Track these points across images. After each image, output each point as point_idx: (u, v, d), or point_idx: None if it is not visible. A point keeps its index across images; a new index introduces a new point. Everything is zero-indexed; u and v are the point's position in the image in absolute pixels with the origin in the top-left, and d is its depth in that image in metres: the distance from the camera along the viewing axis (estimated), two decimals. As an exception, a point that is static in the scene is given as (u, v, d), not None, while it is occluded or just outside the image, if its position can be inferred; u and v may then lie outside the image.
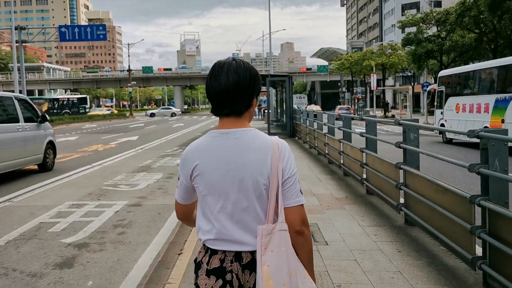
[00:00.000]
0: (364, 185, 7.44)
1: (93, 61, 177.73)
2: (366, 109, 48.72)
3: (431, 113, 40.02)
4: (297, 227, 1.69)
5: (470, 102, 16.66)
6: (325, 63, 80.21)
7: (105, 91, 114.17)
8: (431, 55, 28.95)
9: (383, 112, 45.35)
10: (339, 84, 69.95)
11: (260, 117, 46.37)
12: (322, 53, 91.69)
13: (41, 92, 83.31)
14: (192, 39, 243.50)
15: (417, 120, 5.90)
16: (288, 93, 19.69)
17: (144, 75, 73.87)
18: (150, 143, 19.41)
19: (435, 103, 20.18)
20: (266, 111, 22.75)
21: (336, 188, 8.02)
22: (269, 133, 20.30)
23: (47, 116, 11.52)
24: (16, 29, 27.91)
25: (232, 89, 1.68)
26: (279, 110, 28.57)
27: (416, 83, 55.63)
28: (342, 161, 9.47)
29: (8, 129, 9.72)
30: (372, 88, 43.75)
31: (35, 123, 10.88)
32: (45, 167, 11.19)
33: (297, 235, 1.69)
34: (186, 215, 1.91)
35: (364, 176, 7.60)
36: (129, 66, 60.30)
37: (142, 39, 63.79)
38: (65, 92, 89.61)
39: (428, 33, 29.40)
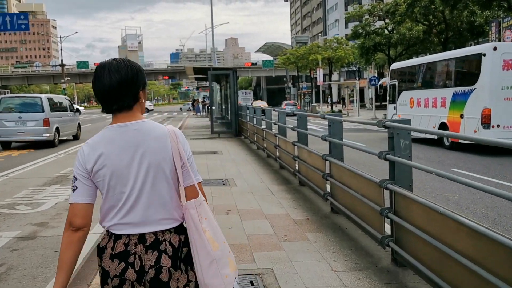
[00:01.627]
0: (329, 201, 5.89)
1: (26, 56, 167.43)
2: (312, 104, 47.97)
3: (379, 107, 39.85)
4: (203, 198, 1.91)
5: (425, 96, 15.70)
6: (270, 58, 79.15)
7: (39, 88, 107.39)
8: (378, 48, 28.27)
9: (329, 107, 44.70)
10: (284, 79, 69.11)
11: (204, 113, 44.43)
12: (267, 48, 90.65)
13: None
14: (134, 34, 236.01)
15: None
16: (232, 88, 17.98)
17: (80, 70, 69.44)
18: (77, 145, 17.09)
19: (388, 98, 19.22)
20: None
21: (293, 205, 6.42)
22: (212, 132, 18.47)
23: (79, 108, 18.22)
24: None
25: (116, 87, 1.81)
26: (223, 107, 26.80)
27: (360, 78, 55.73)
28: (297, 168, 7.92)
29: (68, 114, 18.26)
30: (318, 83, 42.91)
31: (73, 112, 18.86)
32: (77, 137, 18.85)
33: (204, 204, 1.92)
34: (89, 221, 1.86)
35: (328, 188, 6.07)
36: (61, 60, 56.08)
37: (76, 32, 59.96)
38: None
39: (375, 25, 28.67)
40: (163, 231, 1.84)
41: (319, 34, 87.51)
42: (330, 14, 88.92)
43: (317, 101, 57.39)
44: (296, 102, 49.81)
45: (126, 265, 1.80)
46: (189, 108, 76.10)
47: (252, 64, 67.65)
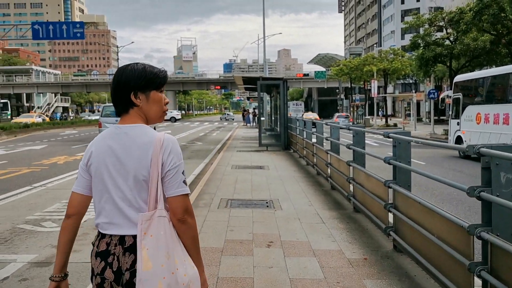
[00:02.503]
0: (391, 237, 4.88)
1: (87, 65, 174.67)
2: (366, 117, 46.28)
3: (437, 122, 37.63)
4: (179, 216, 1.82)
5: (495, 112, 14.17)
6: (323, 69, 77.83)
7: (97, 95, 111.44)
8: (439, 60, 26.53)
9: (384, 120, 42.89)
10: (337, 91, 67.58)
11: (254, 124, 43.89)
12: (320, 59, 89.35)
13: (29, 96, 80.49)
14: (189, 44, 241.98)
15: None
16: (282, 98, 17.14)
17: (135, 79, 70.96)
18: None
19: (450, 112, 17.69)
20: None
21: (347, 238, 5.44)
22: (260, 144, 17.68)
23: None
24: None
25: (112, 92, 1.92)
26: (273, 118, 26.02)
27: (417, 91, 53.33)
28: (352, 191, 6.93)
29: None
30: (372, 95, 41.29)
31: None
32: None
33: (179, 223, 1.82)
34: (80, 210, 1.94)
35: (391, 220, 5.06)
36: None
37: (132, 42, 61.76)
38: (55, 96, 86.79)
39: (436, 35, 26.98)
40: None
41: (374, 46, 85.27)
42: (385, 25, 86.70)
43: (371, 113, 55.51)
44: (349, 114, 48.27)
45: (105, 264, 1.82)
46: (225, 118, 75.46)
47: (304, 75, 66.60)
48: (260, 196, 8.04)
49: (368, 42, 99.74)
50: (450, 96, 18.35)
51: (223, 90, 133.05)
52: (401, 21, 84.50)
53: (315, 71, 66.36)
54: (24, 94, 79.64)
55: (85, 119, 53.09)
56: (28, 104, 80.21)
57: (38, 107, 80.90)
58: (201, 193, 8.39)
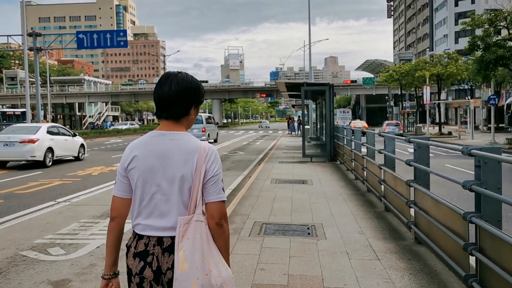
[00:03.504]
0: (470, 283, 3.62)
1: (137, 75, 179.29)
2: (417, 125, 43.95)
3: (497, 130, 34.85)
4: (217, 220, 1.93)
5: None
6: (371, 76, 75.45)
7: (146, 104, 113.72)
8: (500, 63, 24.34)
9: (437, 128, 40.45)
10: (386, 97, 65.10)
11: (299, 133, 42.61)
12: (368, 65, 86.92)
13: (81, 105, 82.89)
14: (236, 53, 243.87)
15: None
16: (328, 106, 15.87)
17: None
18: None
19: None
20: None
21: (411, 284, 4.19)
22: (304, 155, 16.45)
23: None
24: (30, 35, 25.53)
25: (172, 96, 1.96)
26: (318, 126, 24.73)
27: (472, 97, 50.26)
28: (412, 217, 5.66)
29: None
30: (425, 102, 39.04)
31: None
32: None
33: (216, 226, 1.94)
34: (122, 213, 2.03)
35: (472, 263, 3.79)
36: (164, 78, 57.84)
37: (178, 51, 62.13)
38: (106, 105, 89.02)
39: (497, 37, 24.81)
40: None
41: (426, 50, 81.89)
42: (437, 29, 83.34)
43: (422, 121, 52.87)
44: (399, 122, 46.00)
45: (145, 264, 1.91)
46: (259, 126, 76.18)
47: (352, 81, 64.57)
48: (301, 219, 6.87)
49: (418, 47, 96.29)
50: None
51: (269, 98, 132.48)
52: (455, 25, 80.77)
53: (363, 78, 64.25)
54: (76, 104, 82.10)
55: (114, 128, 49.02)
56: (80, 113, 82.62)
57: (90, 116, 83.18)
58: (233, 214, 7.33)
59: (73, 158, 17.91)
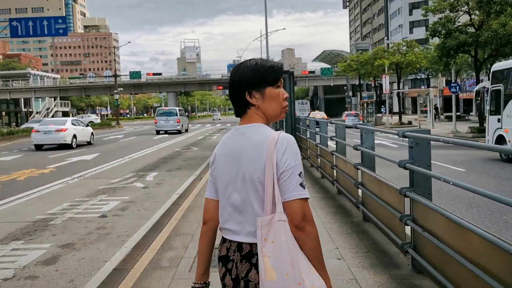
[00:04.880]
0: None
1: (89, 69, 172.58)
2: (377, 115, 43.48)
3: (459, 119, 34.67)
4: (296, 222, 1.66)
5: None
6: (328, 66, 74.99)
7: (99, 99, 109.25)
8: (461, 49, 23.68)
9: (397, 118, 40.06)
10: (345, 88, 64.74)
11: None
12: (325, 56, 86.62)
13: (27, 101, 78.18)
14: (192, 46, 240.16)
15: None
16: (289, 95, 14.42)
17: (134, 81, 68.56)
18: (104, 165, 14.22)
19: (488, 107, 14.92)
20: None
21: None
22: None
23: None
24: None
25: (229, 93, 1.84)
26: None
27: (428, 86, 50.39)
28: (410, 237, 4.24)
29: (184, 117, 35.88)
30: (384, 91, 38.47)
31: (186, 116, 37.84)
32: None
33: (297, 230, 1.67)
34: (214, 215, 1.87)
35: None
36: (115, 71, 54.92)
37: (129, 42, 59.25)
38: (54, 100, 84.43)
39: (459, 22, 24.11)
40: (256, 244, 1.69)
41: (385, 39, 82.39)
42: (392, 19, 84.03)
43: (379, 111, 52.69)
44: (359, 112, 45.38)
45: (226, 270, 1.77)
46: (213, 119, 76.38)
47: (310, 72, 63.56)
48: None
49: (374, 37, 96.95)
50: (487, 88, 15.62)
51: (226, 91, 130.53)
52: (409, 15, 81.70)
53: (321, 68, 63.49)
54: (22, 99, 77.39)
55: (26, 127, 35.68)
56: (26, 110, 77.99)
57: (37, 112, 78.68)
58: (172, 234, 5.70)
59: (86, 143, 23.60)
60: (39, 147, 21.41)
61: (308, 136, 12.10)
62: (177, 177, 11.13)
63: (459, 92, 28.17)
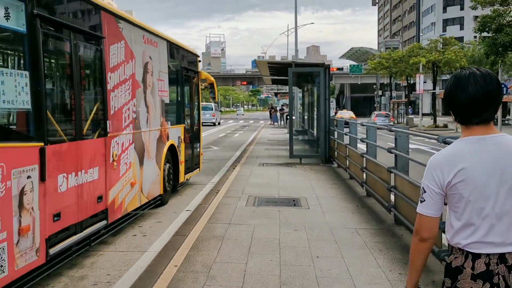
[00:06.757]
0: None
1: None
2: (409, 116, 41.00)
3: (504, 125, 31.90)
4: None
5: None
6: (357, 64, 72.32)
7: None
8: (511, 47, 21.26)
9: (432, 120, 37.54)
10: (374, 86, 62.08)
11: (282, 123, 39.19)
12: (353, 54, 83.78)
13: None
14: (217, 41, 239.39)
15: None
16: (323, 93, 12.40)
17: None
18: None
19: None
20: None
21: None
22: (291, 155, 12.99)
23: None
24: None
25: (480, 98, 1.75)
26: (305, 117, 21.33)
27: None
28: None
29: (217, 112, 48.66)
30: (418, 91, 35.98)
31: (219, 111, 51.40)
32: (214, 124, 39.99)
33: None
34: (435, 233, 1.88)
35: None
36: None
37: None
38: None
39: (511, 17, 21.68)
40: None
41: (413, 38, 79.43)
42: (424, 17, 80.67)
43: (414, 112, 50.01)
44: (389, 113, 42.91)
45: (491, 286, 1.73)
46: (237, 114, 76.30)
47: (338, 69, 60.94)
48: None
49: (404, 35, 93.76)
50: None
51: (250, 87, 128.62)
52: (443, 12, 78.26)
53: (350, 65, 60.93)
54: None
55: None
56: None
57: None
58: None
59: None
60: None
61: (336, 136, 11.83)
62: (188, 190, 9.28)
63: (508, 94, 25.67)
